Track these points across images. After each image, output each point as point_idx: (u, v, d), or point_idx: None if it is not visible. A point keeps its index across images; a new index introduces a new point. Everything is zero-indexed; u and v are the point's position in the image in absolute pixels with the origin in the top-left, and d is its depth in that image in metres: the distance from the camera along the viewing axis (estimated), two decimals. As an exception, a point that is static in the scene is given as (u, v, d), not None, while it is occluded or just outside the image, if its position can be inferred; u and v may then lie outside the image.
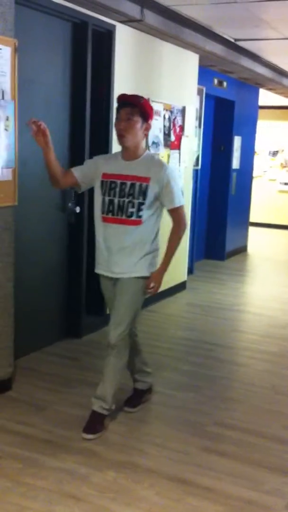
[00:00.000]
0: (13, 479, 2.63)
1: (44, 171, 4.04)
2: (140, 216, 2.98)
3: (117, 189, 2.99)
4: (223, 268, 7.59)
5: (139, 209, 2.97)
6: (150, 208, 3.00)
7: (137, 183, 2.97)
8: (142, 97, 3.11)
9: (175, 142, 5.63)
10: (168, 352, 4.40)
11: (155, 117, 5.14)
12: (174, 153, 5.63)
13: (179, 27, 4.92)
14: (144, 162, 3.03)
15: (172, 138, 5.56)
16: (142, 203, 2.97)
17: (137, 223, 2.99)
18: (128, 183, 2.98)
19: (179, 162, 5.76)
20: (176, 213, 3.10)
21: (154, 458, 2.87)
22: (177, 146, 5.68)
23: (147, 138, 3.22)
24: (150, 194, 2.97)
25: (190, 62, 5.76)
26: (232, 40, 5.80)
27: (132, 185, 2.97)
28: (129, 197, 2.97)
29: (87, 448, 2.93)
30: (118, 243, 3.01)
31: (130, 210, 2.97)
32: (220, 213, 7.89)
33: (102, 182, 3.04)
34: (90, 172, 3.10)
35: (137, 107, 2.97)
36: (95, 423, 3.05)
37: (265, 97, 9.01)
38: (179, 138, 5.69)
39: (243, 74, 7.06)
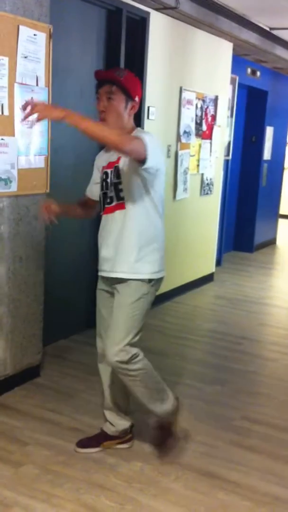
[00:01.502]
0: (41, 466, 2.64)
1: (75, 159, 4.06)
2: (122, 198, 2.51)
3: (108, 180, 2.57)
4: (251, 261, 7.52)
5: (117, 190, 2.52)
6: (133, 188, 2.49)
7: (118, 165, 2.53)
8: (123, 70, 2.65)
9: (207, 132, 5.57)
10: (195, 344, 4.38)
11: (187, 106, 5.10)
12: (206, 143, 5.57)
13: (213, 15, 4.85)
14: None
15: (204, 127, 5.50)
16: (119, 183, 2.51)
17: (121, 207, 2.53)
18: (113, 169, 2.55)
19: (210, 152, 5.69)
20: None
21: (182, 450, 2.85)
22: (209, 136, 5.61)
23: (135, 117, 2.64)
24: (125, 169, 2.49)
25: (224, 50, 5.68)
26: (267, 29, 5.70)
27: (115, 168, 2.53)
28: (112, 185, 2.56)
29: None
30: (107, 237, 2.60)
31: (110, 194, 2.55)
32: (249, 204, 7.80)
33: (100, 177, 2.64)
34: (98, 178, 2.70)
35: (118, 84, 2.49)
36: (163, 436, 2.80)
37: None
38: (210, 128, 5.63)
39: (277, 63, 6.95)
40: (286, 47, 6.36)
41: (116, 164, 2.54)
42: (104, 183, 2.60)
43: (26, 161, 3.19)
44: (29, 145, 3.19)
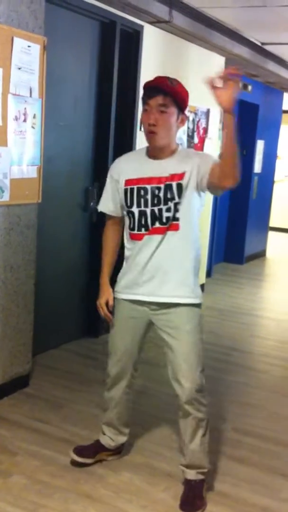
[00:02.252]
0: (30, 476, 2.63)
1: (68, 169, 4.08)
2: (177, 219, 2.36)
3: (148, 196, 2.37)
4: (242, 272, 7.55)
5: (175, 211, 2.35)
6: (188, 208, 2.37)
7: (174, 183, 2.34)
8: (175, 80, 2.37)
9: (199, 145, 5.61)
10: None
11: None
12: (197, 155, 5.61)
13: (206, 29, 4.91)
14: (180, 157, 2.38)
15: (196, 140, 5.54)
16: (178, 203, 2.34)
17: (174, 228, 2.37)
18: (163, 186, 2.35)
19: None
20: None
21: (171, 461, 2.84)
22: (200, 149, 5.66)
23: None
24: (188, 190, 2.34)
25: (216, 64, 5.73)
26: (259, 44, 5.77)
27: (168, 187, 2.34)
28: (167, 203, 2.34)
29: (104, 448, 2.92)
30: (154, 257, 2.40)
31: (166, 215, 2.35)
32: (240, 216, 7.85)
33: (126, 190, 2.42)
34: (115, 194, 2.49)
35: (171, 95, 2.30)
36: (194, 496, 2.51)
37: (290, 101, 8.96)
38: (202, 141, 5.67)
39: (269, 78, 7.03)
40: (277, 62, 6.44)
41: (178, 182, 2.33)
42: (141, 200, 2.38)
43: (19, 171, 3.21)
44: (22, 155, 3.21)
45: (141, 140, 4.56)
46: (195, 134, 5.51)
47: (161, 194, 2.35)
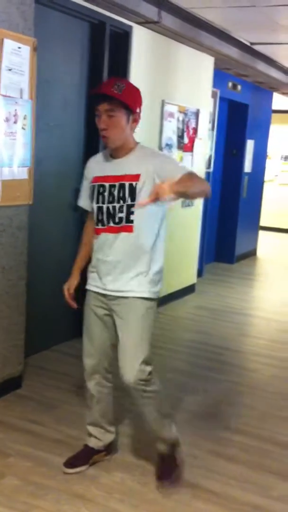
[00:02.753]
0: (22, 477, 2.64)
1: (58, 170, 4.09)
2: (131, 221, 2.45)
3: (106, 194, 2.49)
4: (233, 272, 7.59)
5: (128, 213, 2.45)
6: (144, 212, 2.43)
7: (127, 183, 2.44)
8: (121, 82, 2.45)
9: (188, 145, 5.63)
10: (176, 354, 4.40)
11: (168, 119, 5.16)
12: (187, 156, 5.63)
13: (195, 29, 4.93)
14: (135, 157, 2.48)
15: (186, 140, 5.56)
16: (131, 205, 2.43)
17: (128, 229, 2.46)
18: (117, 184, 2.46)
19: (192, 164, 5.75)
20: None
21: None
22: (190, 149, 5.68)
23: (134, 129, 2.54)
24: (142, 194, 2.39)
25: (205, 65, 5.77)
26: (248, 44, 5.80)
27: (121, 186, 2.45)
28: (119, 202, 2.46)
29: (96, 448, 2.93)
30: (109, 255, 2.52)
31: (119, 215, 2.46)
32: (231, 216, 7.89)
33: (91, 187, 2.56)
34: (87, 191, 2.63)
35: (117, 101, 2.38)
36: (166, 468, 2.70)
37: (279, 101, 9.00)
38: (192, 141, 5.69)
39: (258, 78, 7.06)
40: (266, 62, 6.47)
41: (131, 182, 2.43)
42: (100, 197, 2.51)
43: (10, 172, 3.21)
44: (13, 156, 3.21)
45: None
46: (185, 134, 5.53)
47: (115, 193, 2.47)
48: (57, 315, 4.30)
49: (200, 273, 6.76)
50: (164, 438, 2.67)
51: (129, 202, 2.44)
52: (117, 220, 2.47)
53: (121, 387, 2.53)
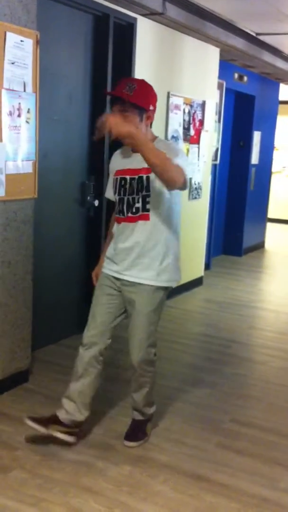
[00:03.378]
0: (30, 470, 2.64)
1: (63, 164, 4.08)
2: (147, 210, 2.63)
3: (127, 186, 2.66)
4: (240, 264, 7.56)
5: (144, 203, 2.62)
6: (161, 201, 2.61)
7: (144, 176, 2.60)
8: (133, 82, 2.59)
9: (195, 137, 5.60)
10: (184, 347, 4.39)
11: (174, 111, 5.13)
12: (193, 148, 5.60)
13: (200, 20, 4.89)
14: None
15: (192, 132, 5.53)
16: (147, 195, 2.61)
17: (145, 218, 2.64)
18: (136, 177, 2.62)
19: (198, 156, 5.73)
20: None
21: (170, 453, 2.87)
22: (197, 141, 5.65)
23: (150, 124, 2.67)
24: (156, 185, 2.57)
25: (211, 56, 5.72)
26: (254, 34, 5.75)
27: (140, 178, 2.61)
28: (138, 193, 2.63)
29: (104, 441, 2.94)
30: (127, 242, 2.69)
31: (136, 205, 2.63)
32: (238, 208, 7.85)
33: (114, 180, 2.73)
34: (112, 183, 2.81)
35: (129, 102, 2.53)
36: (137, 430, 2.97)
37: (286, 92, 8.93)
38: (198, 133, 5.66)
39: (264, 68, 7.01)
40: (273, 52, 6.42)
41: (147, 175, 2.59)
42: (122, 189, 2.68)
43: (14, 166, 3.20)
44: (17, 150, 3.21)
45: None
46: (191, 126, 5.50)
47: (135, 185, 2.64)
48: (64, 309, 4.31)
49: (207, 266, 6.74)
50: (144, 411, 2.94)
51: (144, 193, 2.61)
52: (134, 210, 2.65)
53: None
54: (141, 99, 2.54)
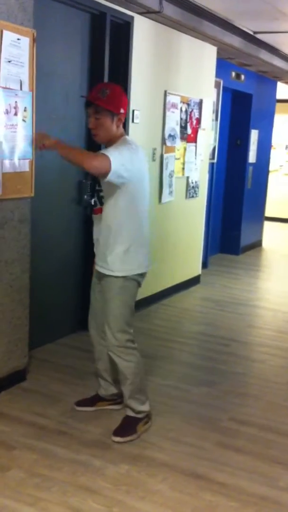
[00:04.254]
0: (28, 470, 2.63)
1: (60, 162, 4.05)
2: (101, 203, 2.89)
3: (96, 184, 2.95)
4: (238, 263, 7.55)
5: (99, 197, 2.91)
6: (110, 195, 2.82)
7: None
8: (107, 87, 2.91)
9: (192, 135, 5.59)
10: (183, 346, 4.39)
11: (171, 109, 5.12)
12: (191, 146, 5.60)
13: (197, 19, 4.88)
14: None
15: (189, 131, 5.52)
16: (100, 190, 2.88)
17: (100, 211, 2.90)
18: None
19: (195, 155, 5.72)
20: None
21: (168, 452, 2.86)
22: (194, 139, 5.64)
23: (123, 124, 2.93)
24: (105, 182, 2.77)
25: (208, 54, 5.72)
26: (251, 33, 5.74)
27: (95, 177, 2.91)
28: (94, 189, 2.96)
29: (101, 440, 2.93)
30: (95, 235, 3.00)
31: (94, 199, 2.95)
32: (235, 207, 7.85)
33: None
34: None
35: (101, 106, 2.79)
36: (127, 427, 3.02)
37: (283, 90, 8.93)
38: (195, 131, 5.65)
39: (261, 67, 7.00)
40: (270, 51, 6.41)
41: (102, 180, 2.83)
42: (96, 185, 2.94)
43: (11, 164, 3.19)
44: (14, 149, 3.19)
45: (133, 132, 4.55)
46: (188, 125, 5.49)
47: (93, 183, 2.95)
48: (61, 308, 4.30)
49: (205, 265, 6.73)
50: (132, 407, 3.01)
51: (97, 188, 2.90)
52: (93, 203, 2.95)
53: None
54: (112, 104, 2.80)
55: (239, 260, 7.74)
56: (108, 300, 2.92)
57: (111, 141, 2.85)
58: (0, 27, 3.01)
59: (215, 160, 6.79)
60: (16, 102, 3.15)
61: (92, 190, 2.99)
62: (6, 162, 3.16)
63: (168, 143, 5.15)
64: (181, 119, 5.32)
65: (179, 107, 5.26)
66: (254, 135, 7.85)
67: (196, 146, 5.69)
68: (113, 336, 2.91)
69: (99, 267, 2.94)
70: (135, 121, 4.58)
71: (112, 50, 4.24)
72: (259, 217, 8.71)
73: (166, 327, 4.67)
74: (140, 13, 4.40)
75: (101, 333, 3.05)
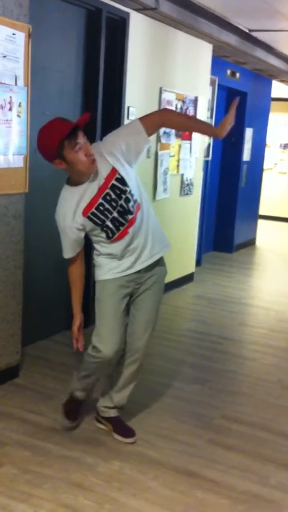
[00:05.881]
0: (20, 466, 2.63)
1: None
2: (136, 201, 2.63)
3: (107, 205, 2.58)
4: (231, 261, 7.57)
5: (132, 197, 2.60)
6: (136, 186, 2.65)
7: (114, 181, 2.56)
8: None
9: (187, 133, 5.59)
10: (175, 344, 4.39)
11: (167, 106, 5.11)
12: (185, 144, 5.59)
13: (193, 16, 4.87)
14: (99, 161, 2.55)
15: (184, 128, 5.51)
16: (129, 190, 2.59)
17: (139, 207, 2.65)
18: (109, 190, 2.57)
19: (190, 152, 5.72)
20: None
21: (161, 449, 2.87)
22: (189, 137, 5.64)
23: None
24: (129, 173, 2.60)
25: (203, 52, 5.71)
26: (247, 31, 5.73)
27: (113, 186, 2.56)
28: (121, 197, 2.58)
29: (94, 437, 2.93)
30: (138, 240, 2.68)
31: (130, 204, 2.60)
32: (229, 205, 7.85)
33: (89, 218, 2.59)
34: (76, 235, 2.67)
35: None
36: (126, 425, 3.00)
37: (278, 89, 8.93)
38: (190, 129, 5.64)
39: (257, 65, 7.00)
40: (265, 49, 6.41)
41: (116, 176, 2.55)
42: (105, 213, 2.58)
43: (5, 160, 3.18)
44: (8, 144, 3.18)
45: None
46: (183, 122, 5.48)
47: (113, 194, 2.57)
48: (55, 304, 4.29)
49: (198, 262, 6.74)
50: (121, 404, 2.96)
51: (127, 189, 2.58)
52: (131, 210, 2.60)
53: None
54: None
55: (233, 258, 7.76)
56: (159, 296, 2.85)
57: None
58: (-4, 21, 2.99)
59: (209, 158, 6.79)
60: (11, 97, 3.14)
61: (119, 199, 2.58)
62: (1, 158, 3.15)
63: (163, 140, 5.14)
64: (176, 116, 5.31)
65: (174, 104, 5.25)
66: (248, 133, 7.86)
67: (191, 144, 5.68)
68: (149, 340, 2.85)
69: (149, 259, 2.70)
70: (130, 117, 4.57)
71: (107, 46, 4.23)
72: (253, 215, 8.72)
73: (158, 324, 4.65)
74: (136, 10, 4.39)
75: (122, 345, 2.79)
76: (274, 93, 8.80)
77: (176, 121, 2.77)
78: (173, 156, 5.40)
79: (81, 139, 2.48)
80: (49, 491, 2.47)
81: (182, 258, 5.96)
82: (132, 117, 4.59)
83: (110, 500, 2.45)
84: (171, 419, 3.19)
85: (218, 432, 3.08)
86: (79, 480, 2.57)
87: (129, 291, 2.75)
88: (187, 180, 5.76)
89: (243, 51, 5.99)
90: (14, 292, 3.41)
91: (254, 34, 5.83)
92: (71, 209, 2.62)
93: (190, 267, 6.20)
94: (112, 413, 2.96)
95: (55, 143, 2.45)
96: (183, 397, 3.47)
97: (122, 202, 2.58)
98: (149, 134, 2.60)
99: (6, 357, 3.42)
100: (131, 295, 2.79)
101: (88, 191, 2.59)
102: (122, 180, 2.57)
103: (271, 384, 3.76)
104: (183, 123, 2.86)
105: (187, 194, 5.80)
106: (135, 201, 2.62)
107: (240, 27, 5.57)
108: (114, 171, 2.56)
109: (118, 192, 2.57)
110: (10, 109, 3.15)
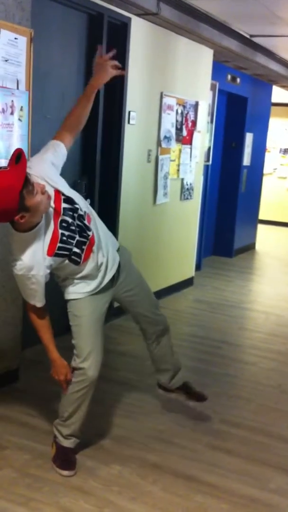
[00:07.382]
0: (19, 470, 2.63)
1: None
2: (85, 212, 2.54)
3: (68, 232, 2.45)
4: (231, 265, 7.57)
5: (78, 208, 2.49)
6: (81, 200, 2.57)
7: (63, 202, 2.45)
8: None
9: (187, 137, 5.61)
10: (174, 348, 4.34)
11: (167, 111, 5.14)
12: (186, 148, 5.61)
13: (195, 21, 4.89)
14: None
15: (184, 133, 5.53)
16: (78, 208, 2.50)
17: (89, 220, 2.56)
18: (60, 214, 2.43)
19: (191, 157, 5.73)
20: None
21: (160, 453, 2.87)
22: (189, 141, 5.65)
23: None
24: (68, 188, 2.52)
25: (204, 57, 5.73)
26: (248, 36, 5.76)
27: (63, 209, 2.44)
28: (74, 215, 2.46)
29: (93, 441, 2.93)
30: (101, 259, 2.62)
31: (81, 220, 2.50)
32: (229, 209, 7.86)
33: (57, 255, 2.46)
34: (43, 282, 2.60)
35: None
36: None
37: (278, 94, 8.96)
38: (191, 133, 5.67)
39: (257, 70, 7.02)
40: (266, 54, 6.44)
41: (63, 198, 2.44)
42: (69, 241, 2.45)
43: (6, 164, 3.18)
44: (9, 148, 3.19)
45: (129, 134, 4.56)
46: (184, 127, 5.50)
47: (68, 218, 2.44)
48: (53, 308, 4.27)
49: (198, 267, 6.74)
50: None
51: (77, 206, 2.49)
52: (86, 223, 2.52)
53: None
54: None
55: (232, 262, 7.76)
56: (137, 271, 2.93)
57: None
58: (-2, 26, 3.00)
59: (210, 163, 6.80)
60: (12, 101, 3.15)
61: (73, 222, 2.48)
62: (2, 161, 3.15)
63: (164, 145, 5.16)
64: (176, 121, 5.33)
65: (175, 109, 5.27)
66: (249, 138, 7.88)
67: (191, 148, 5.70)
68: (158, 305, 3.13)
69: (114, 264, 2.69)
70: (131, 122, 4.58)
71: (109, 51, 4.22)
72: (253, 219, 8.73)
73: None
74: (138, 15, 4.41)
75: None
76: (274, 98, 8.82)
77: (66, 129, 2.85)
78: (174, 160, 5.41)
79: (42, 184, 2.32)
80: (49, 495, 2.47)
81: (182, 262, 5.97)
82: (132, 122, 4.61)
83: (109, 504, 2.45)
84: (171, 423, 3.19)
85: (217, 436, 3.09)
86: (79, 483, 2.57)
87: (109, 297, 2.77)
88: (187, 184, 5.77)
89: (244, 56, 6.02)
90: (13, 296, 3.41)
91: (254, 39, 5.86)
92: (39, 247, 2.40)
93: (189, 271, 6.20)
94: (180, 380, 3.16)
95: (15, 198, 2.18)
96: (182, 402, 3.46)
97: (77, 222, 2.47)
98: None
99: (5, 361, 3.42)
100: (113, 296, 2.82)
101: (44, 228, 2.39)
102: (69, 200, 2.45)
103: (271, 388, 3.77)
104: (71, 121, 2.88)
105: (187, 198, 5.81)
106: (85, 213, 2.52)
107: (241, 32, 5.60)
108: (57, 193, 2.42)
109: (70, 213, 2.44)
110: (12, 113, 3.16)
